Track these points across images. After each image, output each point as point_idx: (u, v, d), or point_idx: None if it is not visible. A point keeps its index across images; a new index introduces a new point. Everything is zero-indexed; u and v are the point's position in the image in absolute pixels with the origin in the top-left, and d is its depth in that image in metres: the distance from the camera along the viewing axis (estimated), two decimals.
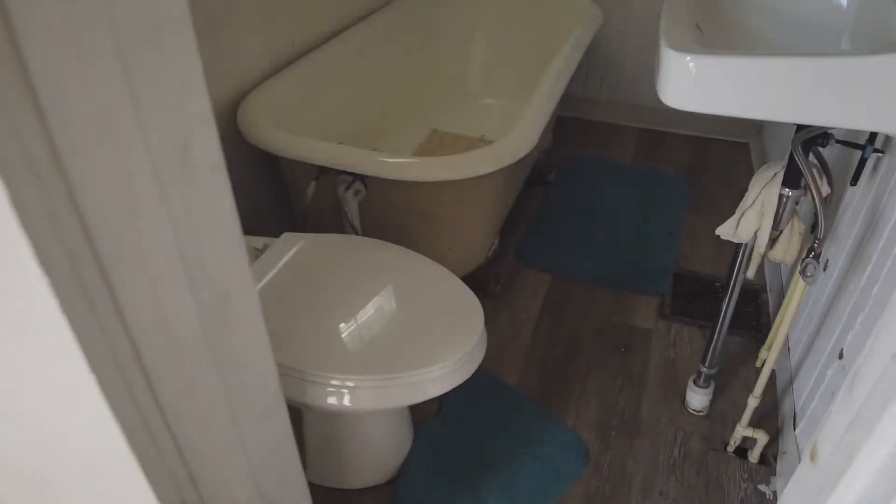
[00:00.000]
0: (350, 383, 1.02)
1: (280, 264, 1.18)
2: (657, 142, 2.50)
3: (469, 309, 1.11)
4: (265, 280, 1.14)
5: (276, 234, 1.71)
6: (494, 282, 1.74)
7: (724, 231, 1.21)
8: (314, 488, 1.31)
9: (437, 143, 2.21)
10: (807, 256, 1.00)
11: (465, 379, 1.08)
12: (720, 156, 2.41)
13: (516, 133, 1.37)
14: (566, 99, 2.63)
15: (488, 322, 1.69)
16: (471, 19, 2.43)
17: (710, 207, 2.12)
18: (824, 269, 1.34)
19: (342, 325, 1.07)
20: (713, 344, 1.37)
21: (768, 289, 1.76)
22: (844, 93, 0.81)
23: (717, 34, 1.07)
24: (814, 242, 1.00)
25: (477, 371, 1.55)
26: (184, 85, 0.60)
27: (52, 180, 0.50)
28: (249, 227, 1.46)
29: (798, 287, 1.08)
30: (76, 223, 0.55)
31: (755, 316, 1.69)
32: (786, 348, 1.49)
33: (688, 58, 0.85)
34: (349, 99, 1.94)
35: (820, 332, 1.29)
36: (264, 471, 0.94)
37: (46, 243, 0.51)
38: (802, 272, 1.00)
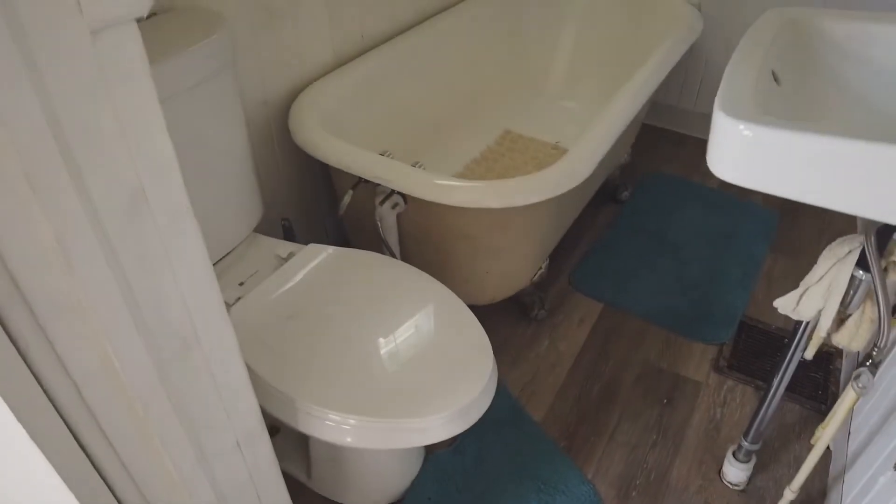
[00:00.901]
0: (353, 421, 0.98)
1: (298, 278, 1.15)
2: None
3: (479, 356, 1.04)
4: (279, 292, 1.12)
5: (319, 239, 1.69)
6: (538, 306, 1.65)
7: (783, 305, 1.07)
8: (316, 498, 1.30)
9: (508, 146, 2.12)
10: (862, 363, 0.86)
11: (468, 426, 1.02)
12: None
13: (569, 161, 1.27)
14: (657, 108, 2.45)
15: (526, 347, 1.61)
16: (560, 15, 2.29)
17: (796, 250, 1.92)
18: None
19: (348, 355, 1.03)
20: (759, 418, 1.23)
21: (844, 354, 1.57)
22: None
23: (797, 88, 0.92)
24: (872, 349, 0.85)
25: (503, 400, 1.49)
26: (135, 132, 0.56)
27: None
28: (288, 230, 1.44)
29: (848, 396, 0.93)
30: (5, 277, 0.53)
31: (822, 384, 1.52)
32: (846, 429, 1.33)
33: (741, 126, 0.73)
34: (419, 94, 1.88)
35: (883, 428, 1.13)
36: (239, 498, 0.92)
37: None
38: (855, 380, 0.86)
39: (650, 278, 1.80)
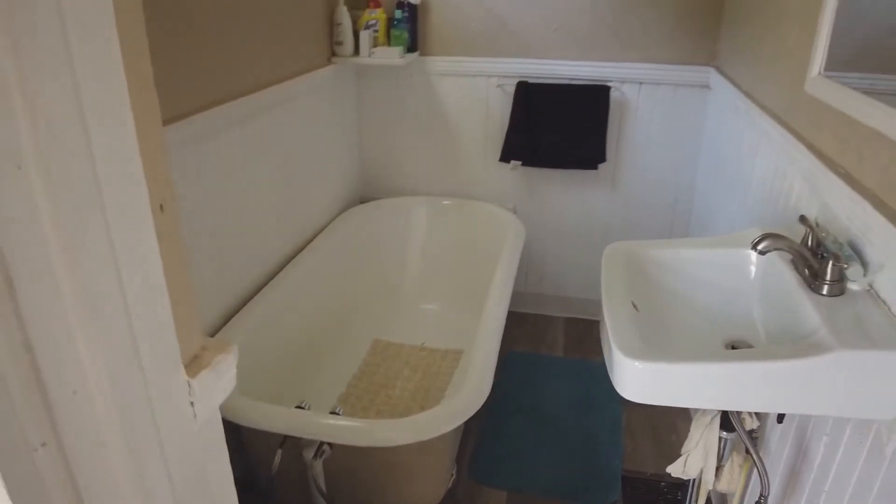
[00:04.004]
0: None
1: None
2: (585, 330, 2.68)
3: None
4: None
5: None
6: None
7: (674, 470, 1.31)
8: None
9: (381, 356, 2.28)
10: None
11: None
12: None
13: (472, 384, 1.46)
14: None
15: None
16: (406, 227, 2.60)
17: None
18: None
19: None
20: None
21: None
22: (759, 387, 0.96)
23: (651, 309, 1.22)
24: (760, 498, 1.11)
25: None
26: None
27: None
28: None
29: None
30: None
31: None
32: None
33: (637, 363, 0.98)
34: (296, 328, 2.00)
35: None
36: None
37: None
38: None
39: (538, 455, 2.00)
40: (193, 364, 0.58)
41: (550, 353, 2.52)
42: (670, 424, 2.15)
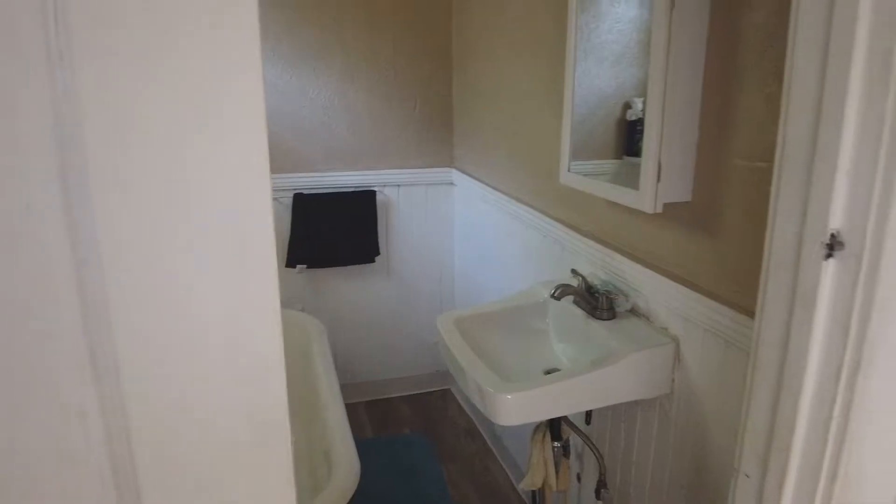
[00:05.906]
0: None
1: None
2: (387, 409, 2.92)
3: None
4: None
5: None
6: None
7: (525, 485, 1.64)
8: None
9: None
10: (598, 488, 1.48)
11: None
12: (436, 404, 2.94)
13: (343, 468, 1.62)
14: None
15: None
16: None
17: (455, 455, 2.57)
18: (578, 480, 1.85)
19: None
20: None
21: None
22: (588, 392, 1.35)
23: (485, 357, 1.55)
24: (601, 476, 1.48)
25: None
26: None
27: None
28: None
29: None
30: None
31: None
32: None
33: (509, 396, 1.29)
34: None
35: None
36: None
37: None
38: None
39: None
40: None
41: (361, 437, 2.70)
42: (482, 467, 2.48)
